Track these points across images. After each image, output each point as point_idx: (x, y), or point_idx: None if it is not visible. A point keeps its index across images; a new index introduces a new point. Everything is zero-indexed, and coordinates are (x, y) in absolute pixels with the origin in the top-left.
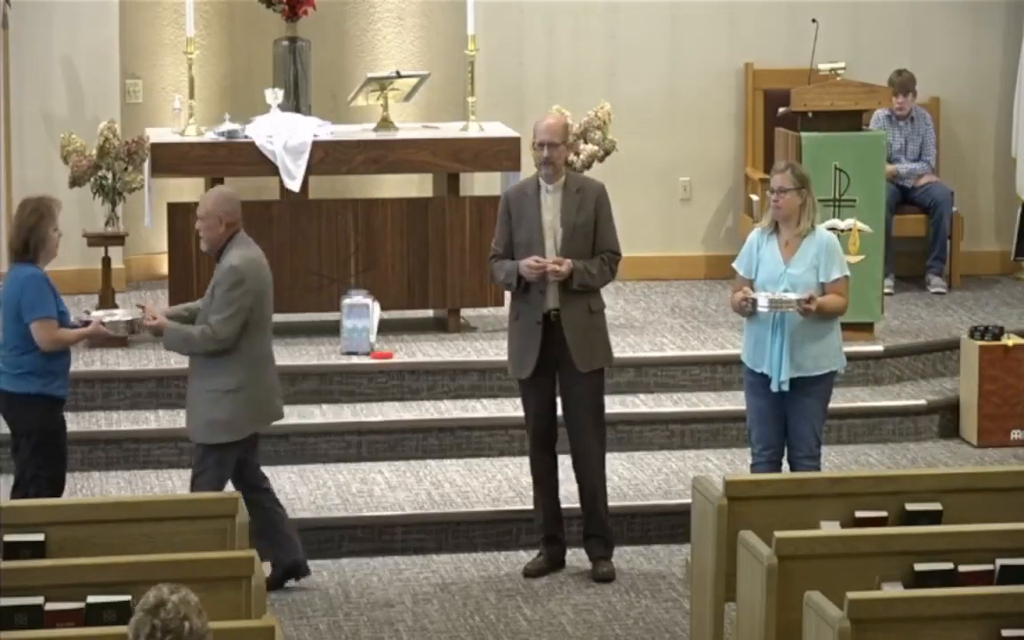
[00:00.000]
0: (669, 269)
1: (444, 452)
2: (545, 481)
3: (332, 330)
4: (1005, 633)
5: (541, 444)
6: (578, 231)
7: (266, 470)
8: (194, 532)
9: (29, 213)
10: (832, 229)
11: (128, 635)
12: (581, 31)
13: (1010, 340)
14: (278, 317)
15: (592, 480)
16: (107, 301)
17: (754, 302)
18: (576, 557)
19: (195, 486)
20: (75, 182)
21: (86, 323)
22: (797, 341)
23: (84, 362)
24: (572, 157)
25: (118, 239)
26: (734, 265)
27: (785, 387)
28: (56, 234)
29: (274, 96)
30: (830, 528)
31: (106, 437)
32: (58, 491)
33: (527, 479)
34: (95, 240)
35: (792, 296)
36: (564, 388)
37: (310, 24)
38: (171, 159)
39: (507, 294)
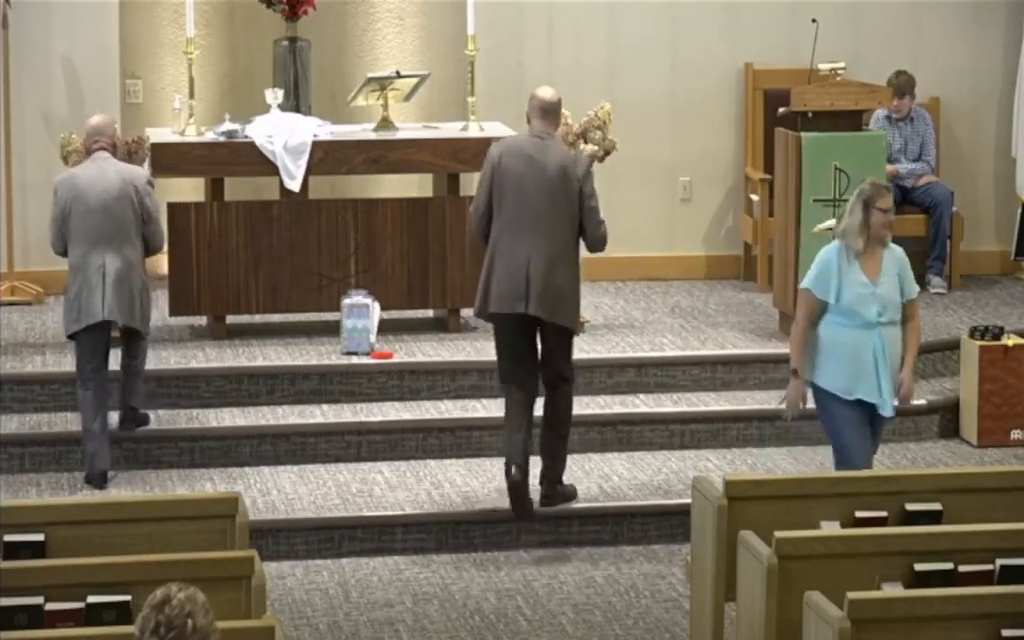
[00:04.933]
0: (669, 269)
1: (444, 452)
2: None
3: (332, 330)
4: (1005, 633)
5: None
6: None
7: (266, 470)
8: (194, 532)
9: None
10: (830, 229)
11: (135, 631)
12: (581, 31)
13: (1010, 340)
14: (278, 317)
15: None
16: None
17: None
18: (575, 555)
19: None
20: None
21: None
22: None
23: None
24: None
25: None
26: (806, 285)
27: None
28: None
29: (274, 96)
30: (830, 528)
31: None
32: None
33: None
34: None
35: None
36: None
37: (310, 24)
38: (171, 159)
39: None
